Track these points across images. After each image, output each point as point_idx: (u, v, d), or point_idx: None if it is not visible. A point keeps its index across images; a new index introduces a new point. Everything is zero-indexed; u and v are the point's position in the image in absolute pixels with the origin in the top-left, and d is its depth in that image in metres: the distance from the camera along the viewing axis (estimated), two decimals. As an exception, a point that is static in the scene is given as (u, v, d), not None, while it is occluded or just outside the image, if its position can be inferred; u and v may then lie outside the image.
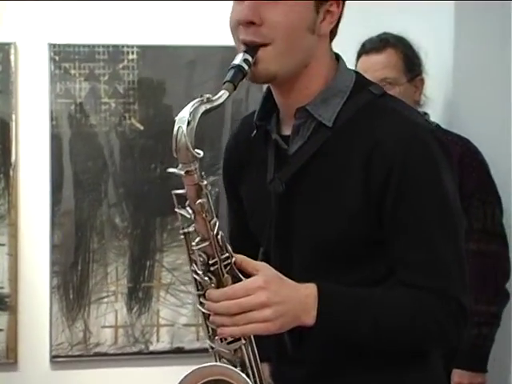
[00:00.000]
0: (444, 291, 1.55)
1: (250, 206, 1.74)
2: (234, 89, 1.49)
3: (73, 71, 3.61)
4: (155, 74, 3.65)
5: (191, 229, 1.48)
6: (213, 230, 1.47)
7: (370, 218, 1.53)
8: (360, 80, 1.64)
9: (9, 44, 3.54)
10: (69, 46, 3.60)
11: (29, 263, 3.59)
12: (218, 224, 1.48)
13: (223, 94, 1.48)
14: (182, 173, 1.45)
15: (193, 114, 1.44)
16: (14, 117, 3.55)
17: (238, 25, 1.55)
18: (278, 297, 1.45)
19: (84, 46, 3.61)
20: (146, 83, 3.65)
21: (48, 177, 3.59)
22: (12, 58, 3.55)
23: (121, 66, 3.64)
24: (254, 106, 1.75)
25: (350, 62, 2.81)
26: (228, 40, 3.65)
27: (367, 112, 1.57)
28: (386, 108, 1.59)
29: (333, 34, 1.63)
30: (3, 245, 3.54)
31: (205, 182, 1.46)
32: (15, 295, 3.55)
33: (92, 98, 3.63)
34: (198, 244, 1.47)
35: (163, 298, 3.67)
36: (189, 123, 1.43)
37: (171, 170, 1.47)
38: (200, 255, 1.48)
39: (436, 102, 3.03)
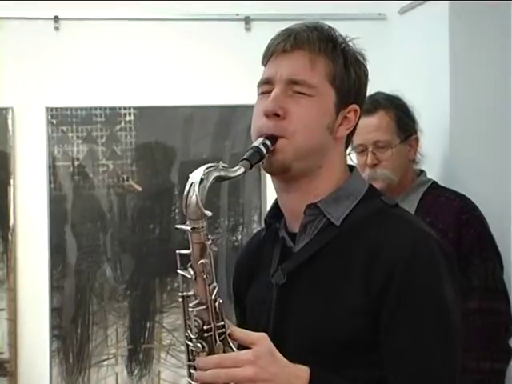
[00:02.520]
0: None
1: (251, 303, 1.74)
2: (250, 168, 1.51)
3: (70, 134, 3.63)
4: (152, 134, 3.68)
5: (190, 293, 1.47)
6: (211, 295, 1.45)
7: (367, 321, 1.51)
8: (373, 189, 1.68)
9: (6, 109, 3.58)
10: (66, 109, 3.63)
11: (28, 327, 3.57)
12: (217, 290, 1.46)
13: (239, 169, 1.50)
14: (189, 229, 1.45)
15: (207, 175, 1.45)
16: (12, 181, 3.57)
17: (262, 115, 1.58)
18: (265, 373, 1.42)
19: (81, 108, 3.64)
20: (143, 144, 3.67)
21: (47, 240, 3.59)
22: (10, 122, 3.58)
23: (118, 127, 3.66)
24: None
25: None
26: (223, 99, 3.73)
27: (376, 218, 1.59)
28: (396, 216, 1.62)
29: (348, 141, 1.67)
30: (2, 310, 3.53)
31: (210, 242, 1.46)
32: (15, 360, 3.53)
33: (90, 160, 3.65)
34: (194, 306, 1.46)
35: (164, 360, 3.65)
36: (201, 181, 1.44)
37: (179, 226, 1.47)
38: (195, 320, 1.46)
39: (433, 158, 3.03)
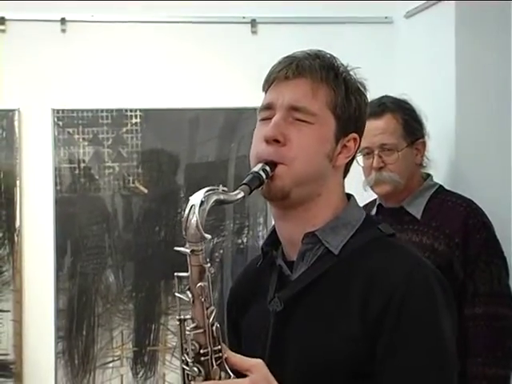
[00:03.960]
0: None
1: (247, 330, 1.74)
2: (250, 193, 1.52)
3: (76, 136, 3.63)
4: (159, 137, 3.68)
5: (187, 316, 1.47)
6: (209, 318, 1.45)
7: (363, 349, 1.51)
8: (370, 218, 1.69)
9: (13, 110, 3.58)
10: (72, 111, 3.63)
11: (34, 329, 3.58)
12: (214, 314, 1.46)
13: (239, 194, 1.50)
14: (188, 251, 1.45)
15: (207, 198, 1.45)
16: (18, 182, 3.57)
17: (262, 141, 1.58)
18: None
19: (87, 110, 3.64)
20: (149, 146, 3.67)
21: (52, 242, 3.59)
22: (16, 124, 3.58)
23: (124, 129, 3.66)
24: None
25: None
26: (229, 102, 3.73)
27: (373, 246, 1.59)
28: (393, 245, 1.62)
29: (346, 170, 1.67)
30: (8, 311, 3.54)
31: (208, 265, 1.46)
32: (20, 362, 3.53)
33: (96, 162, 3.65)
34: (191, 330, 1.45)
35: (169, 362, 3.65)
36: (201, 204, 1.44)
37: (178, 248, 1.46)
38: (192, 343, 1.46)
39: (439, 163, 3.03)
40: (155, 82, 3.68)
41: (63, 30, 3.62)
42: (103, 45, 3.67)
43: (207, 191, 1.46)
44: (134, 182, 3.66)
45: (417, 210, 2.84)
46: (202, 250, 1.45)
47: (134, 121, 3.66)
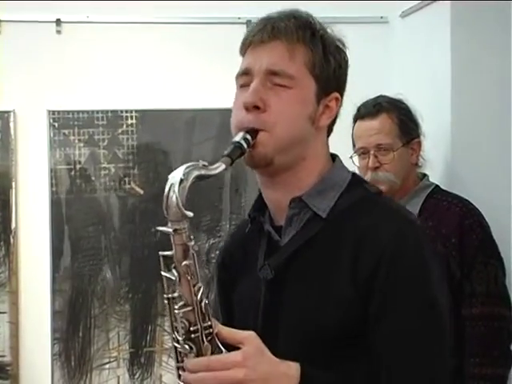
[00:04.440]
0: None
1: (239, 300, 1.72)
2: (231, 163, 1.49)
3: (72, 137, 3.63)
4: (154, 137, 3.67)
5: (175, 294, 1.45)
6: (196, 296, 1.44)
7: (356, 311, 1.50)
8: (356, 178, 1.67)
9: (8, 112, 3.58)
10: (67, 112, 3.62)
11: (30, 330, 3.57)
12: (202, 290, 1.44)
13: (220, 166, 1.48)
14: (171, 231, 1.44)
15: (187, 174, 1.43)
16: (13, 184, 3.56)
17: (242, 108, 1.55)
18: (255, 374, 1.40)
19: (83, 111, 3.63)
20: (145, 147, 3.66)
21: (48, 243, 3.59)
22: (11, 125, 3.57)
23: (120, 130, 3.65)
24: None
25: (347, 123, 2.85)
26: (225, 103, 3.71)
27: (360, 206, 1.58)
28: (380, 204, 1.61)
29: (329, 130, 1.65)
30: (4, 312, 3.53)
31: (192, 243, 1.44)
32: (16, 363, 3.53)
33: (92, 163, 3.64)
34: (180, 308, 1.44)
35: (165, 363, 3.64)
36: (181, 182, 1.42)
37: (160, 228, 1.46)
38: (182, 321, 1.44)
39: (435, 162, 3.03)
40: (151, 82, 3.68)
41: (58, 31, 3.61)
42: (99, 46, 3.66)
43: (187, 168, 1.44)
44: (129, 183, 3.65)
45: (413, 209, 2.83)
46: (184, 228, 1.43)
47: (129, 122, 3.66)
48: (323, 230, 1.57)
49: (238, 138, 1.52)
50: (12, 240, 3.55)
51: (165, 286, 1.47)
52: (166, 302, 1.48)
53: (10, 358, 3.52)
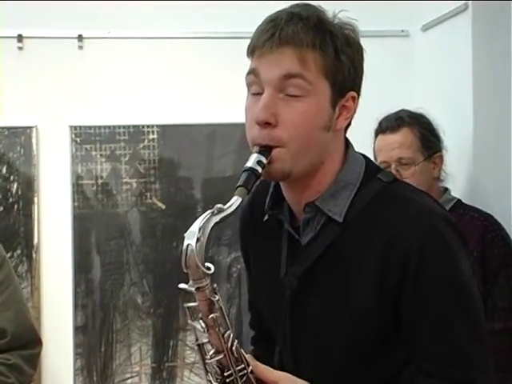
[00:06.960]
0: (470, 382, 1.51)
1: (262, 295, 1.72)
2: (248, 193, 1.45)
3: (94, 152, 3.64)
4: (176, 152, 3.68)
5: (205, 340, 1.45)
6: (227, 343, 1.43)
7: (383, 318, 1.49)
8: (369, 167, 1.61)
9: (30, 128, 3.59)
10: (89, 127, 3.64)
11: (52, 345, 3.57)
12: (232, 336, 1.44)
13: (236, 201, 1.43)
14: (193, 289, 1.42)
15: (202, 228, 1.39)
16: (36, 199, 3.58)
17: (254, 124, 1.51)
18: None
19: (105, 127, 3.65)
20: (166, 162, 3.67)
21: (70, 258, 3.60)
22: (34, 141, 3.59)
23: (141, 145, 3.66)
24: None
25: (368, 138, 2.84)
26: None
27: (378, 203, 1.54)
28: (396, 197, 1.55)
29: (348, 124, 1.61)
30: (26, 327, 3.52)
31: (217, 298, 1.42)
32: (39, 379, 3.52)
33: (113, 178, 3.65)
34: (212, 357, 1.44)
35: (187, 378, 3.64)
36: (198, 240, 1.38)
37: (182, 286, 1.43)
38: (215, 367, 1.45)
39: (457, 177, 3.01)
40: (172, 97, 3.69)
41: (80, 47, 3.64)
42: (120, 61, 3.68)
43: (201, 221, 1.40)
44: (151, 198, 3.66)
45: (435, 224, 2.81)
46: (207, 284, 1.41)
47: (151, 137, 3.67)
48: (342, 235, 1.54)
49: (251, 162, 1.47)
50: (34, 255, 3.57)
51: (194, 332, 1.47)
52: (196, 348, 1.47)
53: (32, 372, 3.52)
